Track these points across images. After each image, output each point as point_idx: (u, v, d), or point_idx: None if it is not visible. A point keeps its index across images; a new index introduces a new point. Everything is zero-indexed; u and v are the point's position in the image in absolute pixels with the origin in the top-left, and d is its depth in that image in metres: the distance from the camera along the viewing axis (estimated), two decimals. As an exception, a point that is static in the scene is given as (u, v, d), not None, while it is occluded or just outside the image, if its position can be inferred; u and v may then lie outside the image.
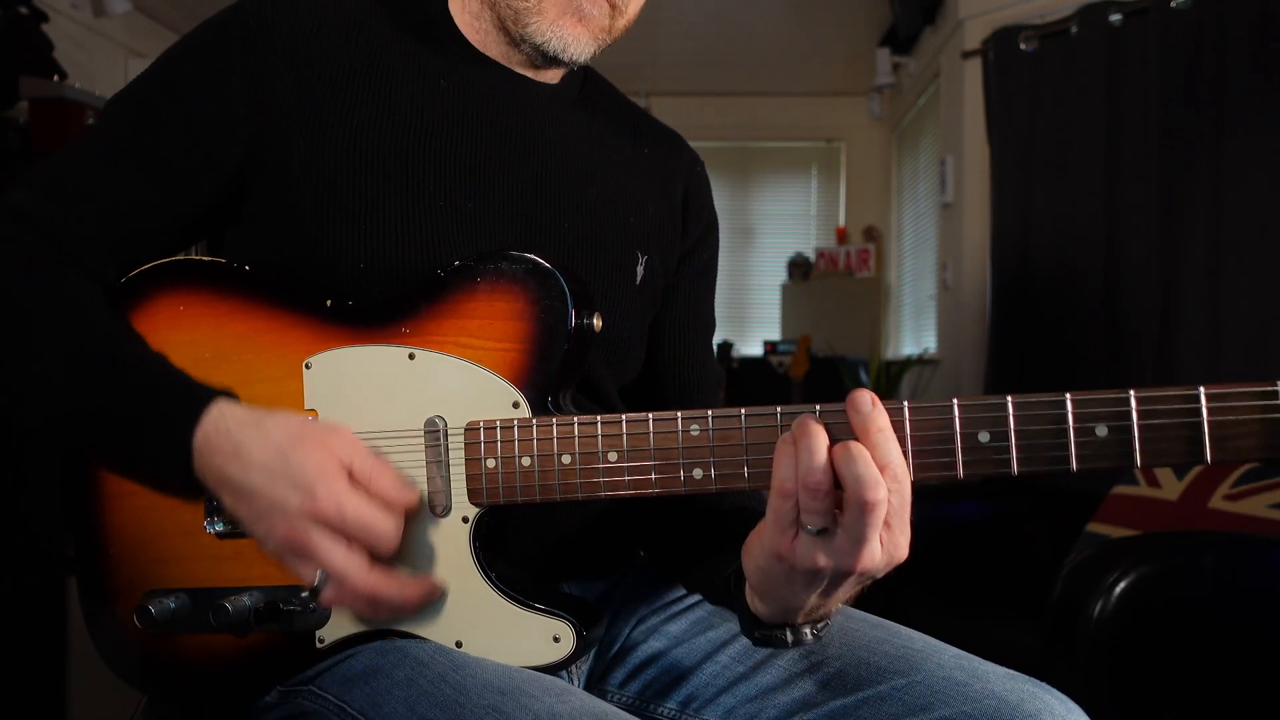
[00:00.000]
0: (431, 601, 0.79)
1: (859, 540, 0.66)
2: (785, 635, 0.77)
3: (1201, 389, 0.68)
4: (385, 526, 0.75)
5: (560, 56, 0.92)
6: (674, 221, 1.05)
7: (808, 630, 0.77)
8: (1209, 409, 0.67)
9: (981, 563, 2.47)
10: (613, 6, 0.92)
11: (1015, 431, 0.70)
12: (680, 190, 1.07)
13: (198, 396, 0.79)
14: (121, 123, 0.89)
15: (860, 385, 4.62)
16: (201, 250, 1.10)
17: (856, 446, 0.66)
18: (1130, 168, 3.15)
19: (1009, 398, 0.70)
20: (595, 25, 0.92)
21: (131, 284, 0.88)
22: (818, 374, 4.48)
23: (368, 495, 0.76)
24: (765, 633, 0.78)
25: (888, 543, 0.68)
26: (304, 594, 0.76)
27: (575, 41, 0.91)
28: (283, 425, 0.76)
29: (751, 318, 5.90)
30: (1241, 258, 2.85)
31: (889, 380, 4.61)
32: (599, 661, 0.95)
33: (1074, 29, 3.33)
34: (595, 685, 0.94)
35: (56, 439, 0.85)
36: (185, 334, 0.85)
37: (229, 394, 0.80)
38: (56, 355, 0.81)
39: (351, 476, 0.75)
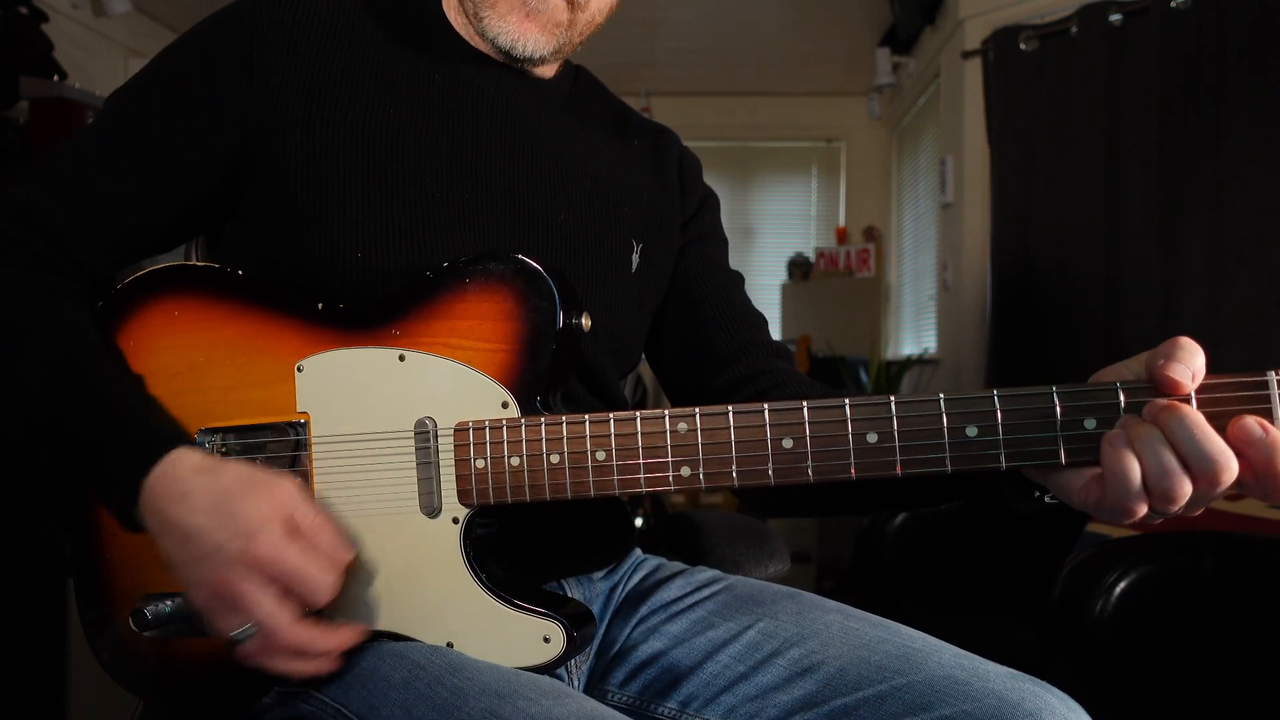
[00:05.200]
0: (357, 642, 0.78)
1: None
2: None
3: None
4: (321, 577, 0.74)
5: (513, 52, 0.93)
6: (671, 196, 1.07)
7: None
8: (1198, 400, 0.67)
9: (981, 563, 2.47)
10: (570, 2, 0.92)
11: (1003, 426, 0.70)
12: (674, 166, 1.09)
13: (159, 439, 0.78)
14: (117, 117, 0.90)
15: (860, 385, 4.62)
16: (200, 246, 1.10)
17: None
18: (1130, 168, 3.14)
19: (995, 392, 0.70)
20: (546, 20, 0.92)
21: (126, 289, 0.88)
22: (818, 374, 4.47)
23: (307, 546, 0.74)
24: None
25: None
26: (231, 637, 0.74)
27: (524, 37, 0.92)
28: (232, 473, 0.75)
29: (752, 318, 5.89)
30: (1242, 257, 2.84)
31: (889, 380, 4.60)
32: (599, 661, 0.95)
33: (1074, 29, 3.33)
34: (595, 685, 0.94)
35: (20, 442, 0.84)
36: (179, 338, 0.85)
37: (190, 440, 0.79)
38: (35, 362, 0.80)
39: (294, 529, 0.74)
